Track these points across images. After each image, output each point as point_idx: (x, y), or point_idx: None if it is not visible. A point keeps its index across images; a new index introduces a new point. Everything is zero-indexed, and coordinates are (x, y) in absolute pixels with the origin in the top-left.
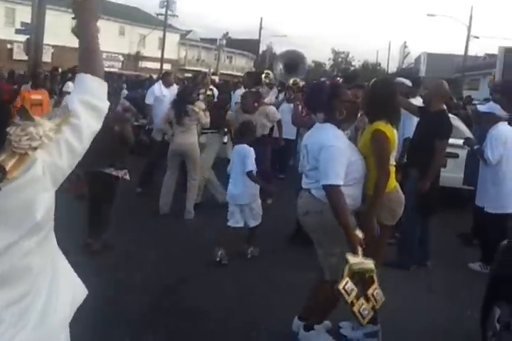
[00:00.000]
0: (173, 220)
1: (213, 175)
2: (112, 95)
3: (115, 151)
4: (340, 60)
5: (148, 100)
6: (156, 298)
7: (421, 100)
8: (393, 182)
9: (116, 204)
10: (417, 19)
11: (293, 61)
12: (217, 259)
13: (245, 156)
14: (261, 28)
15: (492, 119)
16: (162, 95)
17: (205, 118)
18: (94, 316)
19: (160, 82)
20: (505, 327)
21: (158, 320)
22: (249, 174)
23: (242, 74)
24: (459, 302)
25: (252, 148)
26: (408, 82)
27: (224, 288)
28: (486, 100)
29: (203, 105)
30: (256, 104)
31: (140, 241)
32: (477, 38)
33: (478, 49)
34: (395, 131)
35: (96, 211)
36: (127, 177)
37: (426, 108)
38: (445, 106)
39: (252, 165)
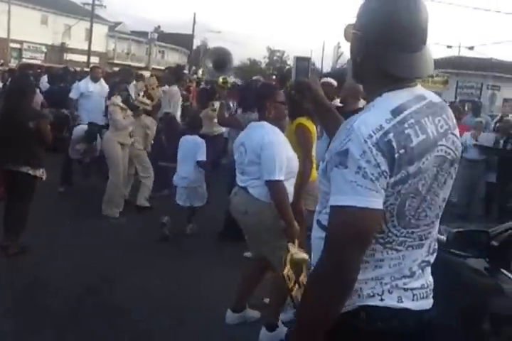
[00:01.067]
0: (96, 220)
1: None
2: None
3: (31, 149)
4: (275, 58)
5: (73, 95)
6: (79, 298)
7: None
8: (315, 173)
9: (37, 204)
10: (348, 20)
11: (221, 59)
12: (163, 221)
13: (198, 147)
14: (194, 23)
15: None
16: (88, 91)
17: (115, 115)
18: (16, 317)
19: (87, 77)
20: None
21: (82, 320)
22: (200, 162)
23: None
24: None
25: (203, 140)
26: (334, 83)
27: (149, 287)
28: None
29: (117, 100)
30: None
31: (62, 242)
32: None
33: None
34: (314, 126)
35: (12, 212)
36: (44, 176)
37: (343, 108)
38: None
39: (203, 155)
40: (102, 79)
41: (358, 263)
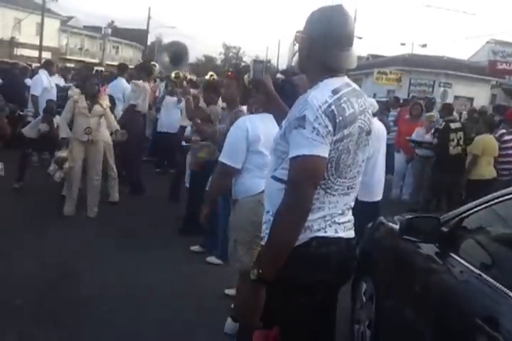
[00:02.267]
0: (55, 217)
1: None
2: None
3: None
4: (231, 54)
5: (36, 91)
6: (40, 292)
7: None
8: None
9: None
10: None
11: (177, 53)
12: None
13: None
14: (149, 18)
15: None
16: (50, 86)
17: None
18: None
19: (45, 71)
20: (370, 300)
21: (44, 314)
22: None
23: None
24: None
25: None
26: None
27: (109, 280)
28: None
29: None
30: None
31: (19, 237)
32: (360, 38)
33: (362, 49)
34: None
35: None
36: (2, 172)
37: None
38: None
39: None
40: (56, 75)
41: (312, 197)
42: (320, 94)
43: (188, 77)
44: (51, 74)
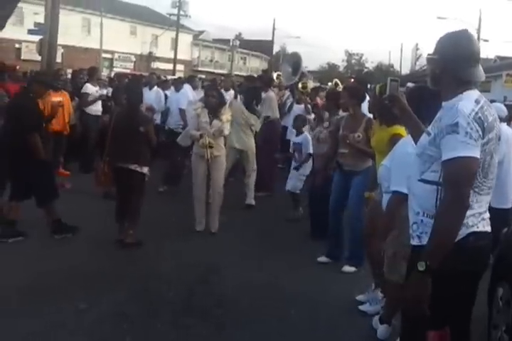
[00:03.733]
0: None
1: None
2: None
3: (140, 150)
4: (353, 61)
5: (183, 105)
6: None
7: None
8: None
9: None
10: (427, 21)
11: (296, 63)
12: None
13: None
14: (274, 29)
15: None
16: (194, 99)
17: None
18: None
19: (189, 86)
20: (507, 304)
21: (193, 305)
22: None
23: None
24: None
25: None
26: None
27: (251, 278)
28: (493, 102)
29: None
30: None
31: (171, 238)
32: (486, 41)
33: (489, 52)
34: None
35: (127, 206)
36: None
37: None
38: None
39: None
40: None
41: (469, 194)
42: (468, 104)
43: (312, 85)
44: (194, 88)
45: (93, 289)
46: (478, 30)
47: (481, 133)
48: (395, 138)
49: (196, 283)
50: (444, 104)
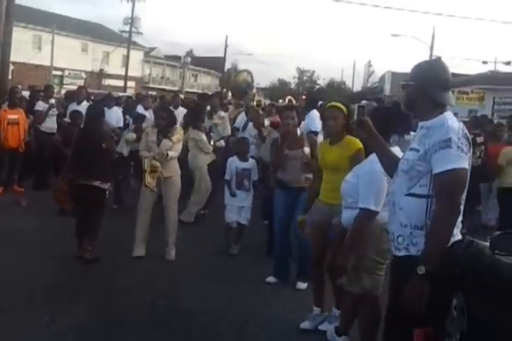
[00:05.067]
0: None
1: None
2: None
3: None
4: (305, 78)
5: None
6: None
7: None
8: None
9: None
10: (380, 38)
11: (247, 80)
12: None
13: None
14: (226, 46)
15: None
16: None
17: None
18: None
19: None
20: (461, 313)
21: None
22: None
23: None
24: None
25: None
26: (374, 104)
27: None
28: None
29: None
30: None
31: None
32: (439, 57)
33: None
34: None
35: (87, 222)
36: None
37: None
38: None
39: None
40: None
41: (461, 203)
42: (454, 122)
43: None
44: (146, 108)
45: (56, 302)
46: (432, 48)
47: (468, 147)
48: (360, 154)
49: (157, 297)
50: (422, 123)
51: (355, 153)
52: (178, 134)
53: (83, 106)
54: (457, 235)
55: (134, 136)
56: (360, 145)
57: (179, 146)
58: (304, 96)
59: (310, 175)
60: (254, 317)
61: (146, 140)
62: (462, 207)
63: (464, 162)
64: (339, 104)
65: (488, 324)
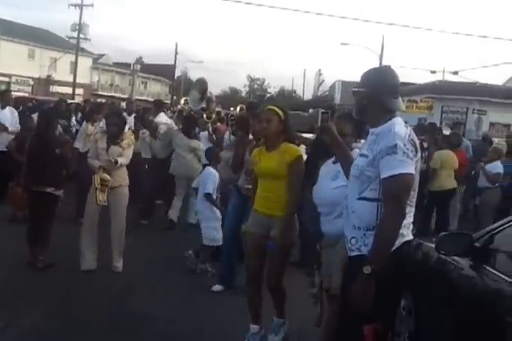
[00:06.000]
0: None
1: None
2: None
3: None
4: (256, 86)
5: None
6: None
7: None
8: None
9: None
10: (330, 47)
11: (204, 89)
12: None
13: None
14: (176, 53)
15: None
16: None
17: None
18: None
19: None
20: (409, 313)
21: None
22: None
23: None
24: None
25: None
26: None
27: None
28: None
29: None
30: None
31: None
32: (389, 65)
33: None
34: None
35: (39, 229)
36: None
37: None
38: None
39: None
40: None
41: (406, 206)
42: (401, 128)
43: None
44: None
45: (10, 308)
46: (381, 57)
47: (414, 152)
48: (299, 162)
49: (111, 302)
50: (373, 130)
51: (294, 160)
52: (128, 139)
53: (6, 112)
54: (408, 236)
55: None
56: (300, 152)
57: (129, 152)
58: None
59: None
60: (198, 325)
61: (95, 147)
62: (413, 209)
63: (408, 167)
64: (275, 108)
65: (434, 323)
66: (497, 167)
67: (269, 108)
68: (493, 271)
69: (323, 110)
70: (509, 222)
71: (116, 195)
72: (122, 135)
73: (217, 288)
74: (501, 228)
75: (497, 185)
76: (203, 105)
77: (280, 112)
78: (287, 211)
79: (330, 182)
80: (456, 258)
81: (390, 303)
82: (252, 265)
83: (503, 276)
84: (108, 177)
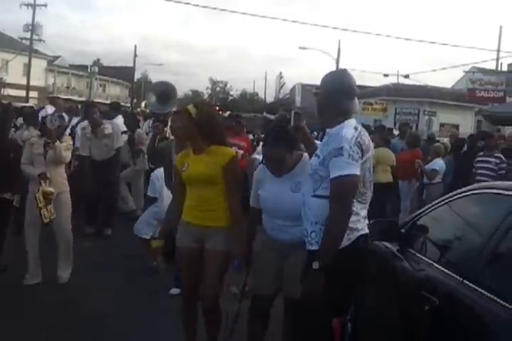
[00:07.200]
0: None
1: None
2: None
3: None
4: (218, 89)
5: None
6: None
7: None
8: None
9: None
10: (290, 51)
11: (165, 92)
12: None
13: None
14: (135, 56)
15: None
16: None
17: None
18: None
19: None
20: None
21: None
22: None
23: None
24: None
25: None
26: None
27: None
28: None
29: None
30: None
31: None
32: (345, 69)
33: None
34: None
35: None
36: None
37: None
38: None
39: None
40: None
41: (352, 204)
42: (349, 131)
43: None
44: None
45: None
46: (337, 60)
47: (360, 154)
48: (234, 164)
49: (65, 303)
50: (328, 130)
51: (229, 162)
52: (66, 142)
53: None
54: (363, 230)
55: None
56: (233, 153)
57: (68, 154)
58: (217, 107)
59: None
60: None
61: (30, 152)
62: (366, 205)
63: (354, 169)
64: (189, 106)
65: (367, 302)
66: (435, 164)
67: (184, 108)
68: (415, 253)
69: (295, 110)
70: (427, 209)
71: (59, 202)
72: (61, 137)
73: (174, 291)
74: (421, 215)
75: (439, 181)
76: (170, 110)
77: (192, 110)
78: (233, 219)
79: (290, 193)
80: (386, 243)
81: (346, 297)
82: (185, 285)
83: (422, 257)
84: (51, 189)
